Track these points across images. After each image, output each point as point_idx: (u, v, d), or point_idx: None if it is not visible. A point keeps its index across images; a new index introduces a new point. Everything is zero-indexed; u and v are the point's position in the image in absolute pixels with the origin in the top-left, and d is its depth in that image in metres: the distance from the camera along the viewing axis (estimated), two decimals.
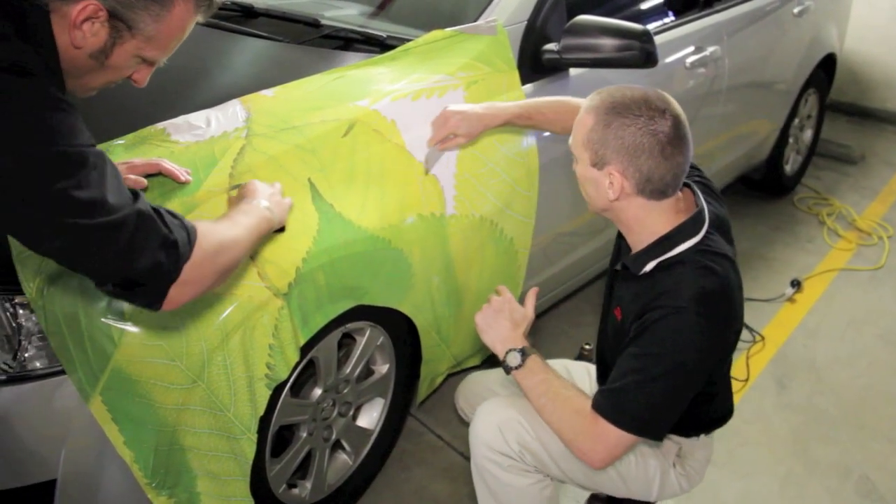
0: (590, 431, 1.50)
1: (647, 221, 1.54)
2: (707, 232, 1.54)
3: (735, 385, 2.70)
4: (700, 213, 1.55)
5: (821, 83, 4.17)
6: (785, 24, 3.56)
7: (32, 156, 1.10)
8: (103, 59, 1.27)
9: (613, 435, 1.48)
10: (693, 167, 1.71)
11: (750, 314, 3.17)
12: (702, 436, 1.78)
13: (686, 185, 1.61)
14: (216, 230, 1.34)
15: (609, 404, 1.50)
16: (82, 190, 1.13)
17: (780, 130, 3.88)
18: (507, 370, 1.62)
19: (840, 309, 3.32)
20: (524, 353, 1.61)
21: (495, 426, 1.69)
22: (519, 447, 1.67)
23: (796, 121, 4.07)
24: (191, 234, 1.27)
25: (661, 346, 1.47)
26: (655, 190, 1.50)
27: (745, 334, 3.04)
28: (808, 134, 4.34)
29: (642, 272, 1.56)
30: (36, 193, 1.11)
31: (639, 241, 1.57)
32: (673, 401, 1.51)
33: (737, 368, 2.83)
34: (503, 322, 1.67)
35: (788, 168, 4.22)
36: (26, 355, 1.56)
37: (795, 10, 3.59)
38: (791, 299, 3.34)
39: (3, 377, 1.55)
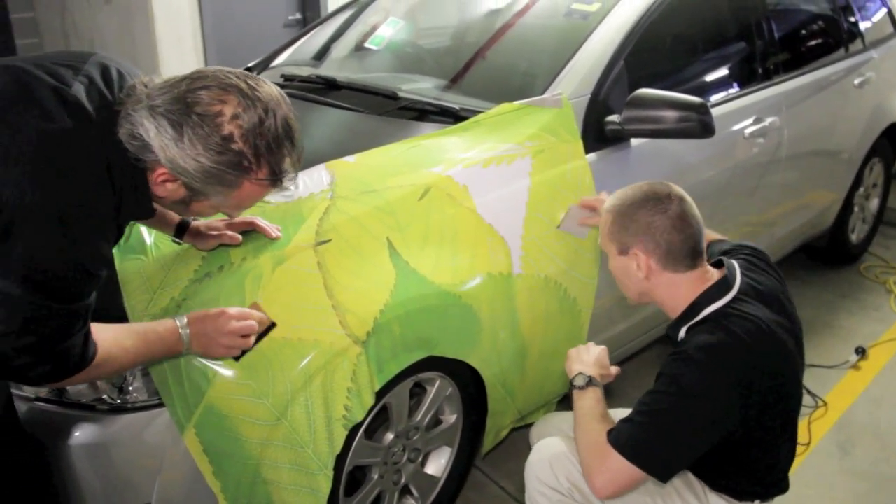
0: (599, 453, 1.62)
1: (677, 293, 1.72)
2: (736, 297, 1.67)
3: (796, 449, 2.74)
4: (725, 280, 1.69)
5: (886, 152, 4.20)
6: (845, 95, 3.63)
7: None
8: (185, 207, 1.49)
9: (616, 461, 1.59)
10: (746, 245, 1.88)
11: (813, 380, 3.18)
12: (756, 502, 1.83)
13: (721, 262, 1.76)
14: (110, 360, 1.50)
15: (615, 429, 1.63)
16: (37, 324, 1.34)
17: (844, 199, 3.92)
18: (571, 388, 1.78)
19: None
20: (591, 382, 1.76)
21: (547, 462, 1.81)
22: (568, 483, 1.78)
23: (861, 189, 4.10)
24: (86, 363, 1.45)
25: (662, 387, 1.62)
26: (678, 261, 1.68)
27: (807, 399, 3.04)
28: (874, 203, 4.35)
29: (679, 338, 1.72)
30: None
31: (674, 311, 1.74)
32: (672, 439, 1.60)
33: (798, 432, 2.83)
34: (590, 357, 1.84)
35: (854, 237, 4.23)
36: (131, 388, 1.72)
37: (856, 82, 3.67)
38: (855, 366, 3.34)
39: (107, 408, 1.72)
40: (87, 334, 1.44)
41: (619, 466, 1.59)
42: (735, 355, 1.59)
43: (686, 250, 1.68)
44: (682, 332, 1.71)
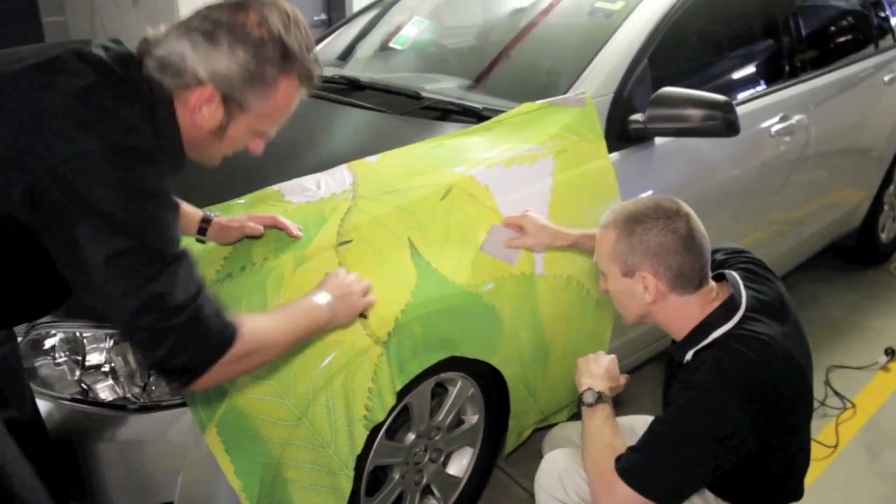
0: (607, 481, 1.58)
1: (684, 315, 1.65)
2: (745, 317, 1.61)
3: (823, 451, 2.72)
4: (732, 299, 1.63)
5: None
6: (875, 92, 3.58)
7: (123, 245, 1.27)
8: (221, 133, 1.47)
9: (623, 490, 1.55)
10: (740, 251, 1.81)
11: (841, 382, 3.14)
12: None
13: (723, 276, 1.70)
14: (258, 333, 1.43)
15: (622, 459, 1.59)
16: (152, 284, 1.28)
17: (874, 198, 3.86)
18: (579, 405, 1.73)
19: None
20: (600, 398, 1.71)
21: (556, 475, 1.79)
22: (578, 498, 1.76)
23: (891, 188, 4.04)
24: (229, 336, 1.37)
25: (672, 415, 1.58)
26: (687, 284, 1.61)
27: (834, 401, 3.01)
28: None
29: (685, 361, 1.66)
30: (115, 280, 1.27)
31: (679, 333, 1.68)
32: (681, 469, 1.56)
33: (825, 435, 2.81)
34: (600, 369, 1.78)
35: (884, 236, 4.16)
36: (154, 387, 1.74)
37: (886, 79, 3.62)
38: (885, 368, 3.29)
39: (132, 407, 1.74)
40: (214, 302, 1.37)
41: (626, 494, 1.55)
42: (746, 379, 1.54)
43: (696, 272, 1.61)
44: (689, 355, 1.65)
